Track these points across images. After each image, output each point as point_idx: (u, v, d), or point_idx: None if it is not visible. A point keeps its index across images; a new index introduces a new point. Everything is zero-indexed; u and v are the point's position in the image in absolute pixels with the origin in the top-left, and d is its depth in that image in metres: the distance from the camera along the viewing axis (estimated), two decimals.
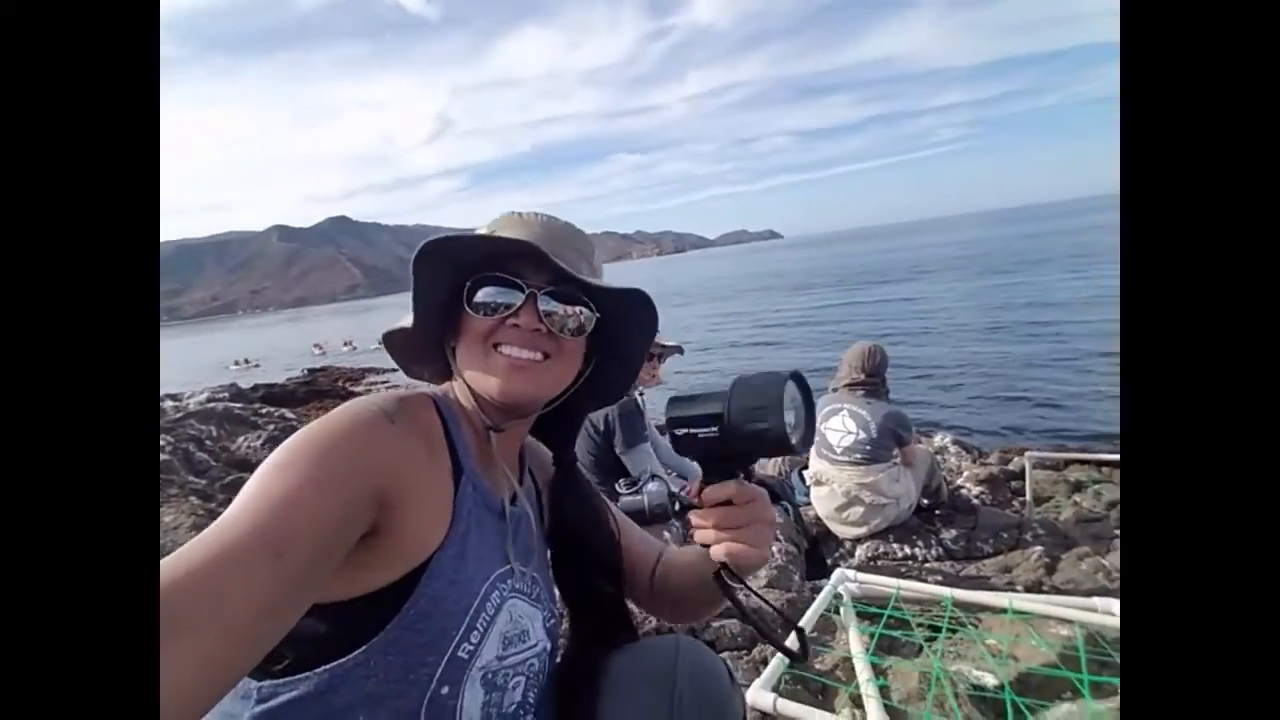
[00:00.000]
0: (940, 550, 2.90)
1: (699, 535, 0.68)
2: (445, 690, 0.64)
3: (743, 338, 16.23)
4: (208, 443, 3.39)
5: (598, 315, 0.76)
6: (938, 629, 1.48)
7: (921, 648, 1.43)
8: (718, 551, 0.66)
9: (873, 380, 2.99)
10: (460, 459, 0.71)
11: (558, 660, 0.85)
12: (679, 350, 2.94)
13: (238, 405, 4.53)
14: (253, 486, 0.54)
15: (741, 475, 0.67)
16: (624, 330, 0.79)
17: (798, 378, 0.64)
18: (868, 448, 2.89)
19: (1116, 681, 1.19)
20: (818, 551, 2.92)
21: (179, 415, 4.06)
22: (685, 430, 0.66)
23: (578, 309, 0.74)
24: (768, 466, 4.15)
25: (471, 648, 0.66)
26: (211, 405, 4.50)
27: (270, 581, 0.48)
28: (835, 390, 3.09)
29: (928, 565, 2.82)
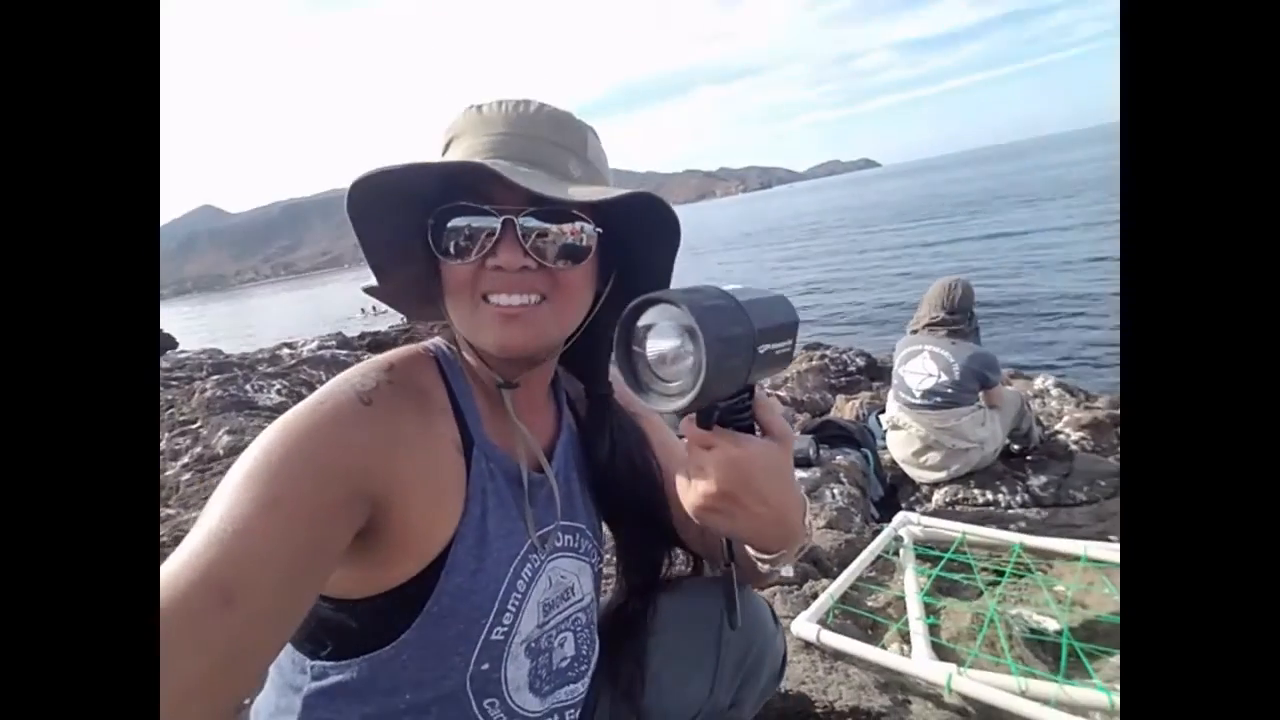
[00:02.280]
0: (1027, 497, 2.75)
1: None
2: (486, 666, 0.63)
3: (820, 280, 15.50)
4: (317, 385, 3.80)
5: (599, 230, 0.60)
6: (1003, 574, 1.43)
7: (983, 592, 1.40)
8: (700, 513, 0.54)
9: (956, 318, 2.80)
10: (469, 426, 0.62)
11: (605, 605, 0.83)
12: None
13: (344, 352, 5.01)
14: (206, 511, 0.47)
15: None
16: (642, 234, 0.63)
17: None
18: (949, 391, 2.75)
19: None
20: (894, 499, 2.86)
21: (294, 361, 4.57)
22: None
23: (574, 226, 0.58)
24: (845, 411, 4.05)
25: (505, 628, 0.63)
26: (321, 352, 5.01)
27: (222, 633, 0.42)
28: (915, 331, 2.93)
29: (1011, 512, 2.69)
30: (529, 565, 0.65)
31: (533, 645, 0.67)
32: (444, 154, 0.61)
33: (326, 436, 0.51)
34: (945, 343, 2.79)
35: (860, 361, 5.26)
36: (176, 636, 0.40)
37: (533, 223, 0.56)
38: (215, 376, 4.05)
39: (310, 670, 0.59)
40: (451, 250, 0.57)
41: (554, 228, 0.57)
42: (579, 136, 0.63)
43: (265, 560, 0.45)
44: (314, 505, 0.48)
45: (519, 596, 0.64)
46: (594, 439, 0.75)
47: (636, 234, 0.62)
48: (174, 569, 0.43)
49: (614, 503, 0.78)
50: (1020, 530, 2.03)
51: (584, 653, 0.74)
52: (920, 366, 2.84)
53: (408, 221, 0.59)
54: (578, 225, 0.58)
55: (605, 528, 0.82)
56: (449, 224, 0.57)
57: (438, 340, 0.67)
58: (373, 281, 0.64)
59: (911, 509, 2.77)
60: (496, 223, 0.56)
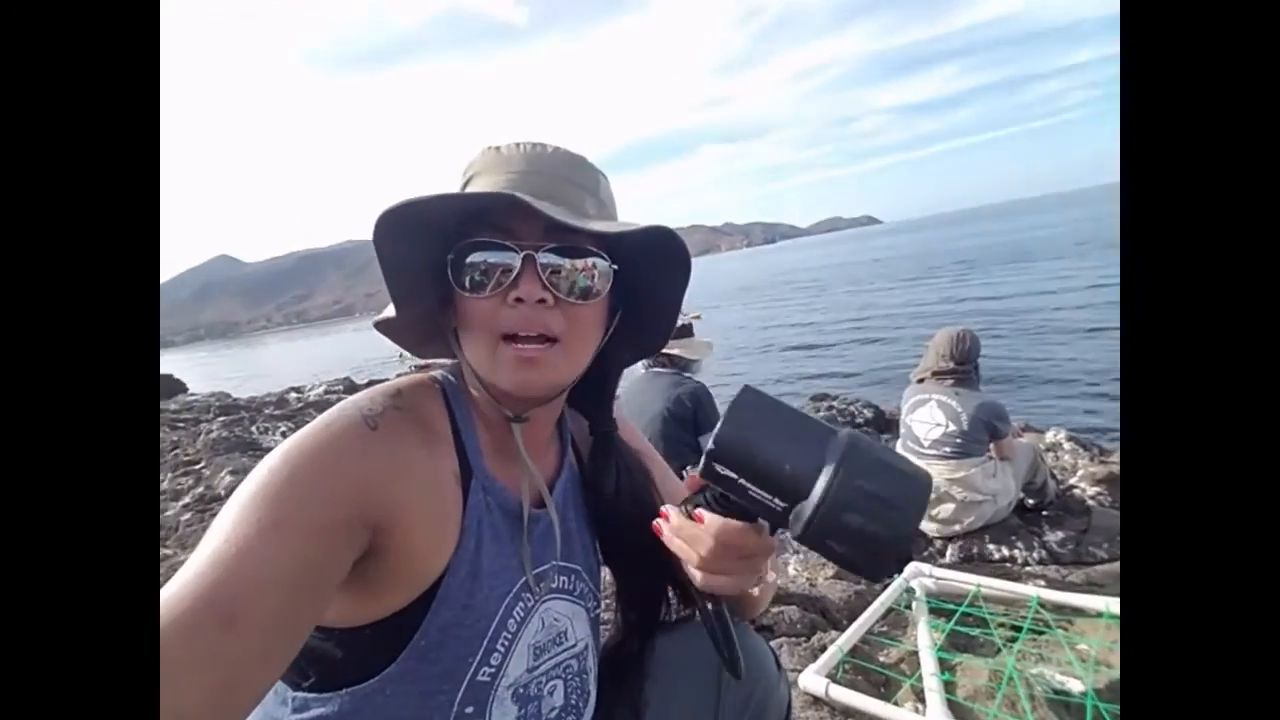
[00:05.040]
0: (1044, 554, 2.65)
1: (683, 549, 0.56)
2: (470, 710, 0.60)
3: (826, 333, 15.59)
4: None
5: (615, 267, 0.62)
6: (1020, 630, 1.37)
7: (1000, 648, 1.33)
8: (704, 582, 0.56)
9: (963, 368, 2.79)
10: (469, 458, 0.62)
11: (601, 647, 0.79)
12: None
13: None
14: (209, 534, 0.46)
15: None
16: (651, 271, 0.64)
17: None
18: (958, 441, 2.71)
19: None
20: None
21: (300, 405, 4.59)
22: (734, 476, 0.47)
23: (589, 261, 0.60)
24: None
25: (493, 669, 0.61)
26: (328, 397, 5.05)
27: (223, 654, 0.42)
28: (922, 380, 2.91)
29: (1029, 569, 2.60)
30: (521, 604, 0.63)
31: (520, 691, 0.64)
32: (462, 188, 0.62)
33: (331, 459, 0.51)
34: (951, 392, 2.77)
35: (868, 413, 5.22)
36: (177, 657, 0.39)
37: (551, 258, 0.58)
38: (221, 418, 4.07)
39: (291, 702, 0.57)
40: (470, 284, 0.58)
41: (570, 263, 0.59)
42: (593, 177, 0.65)
43: (267, 582, 0.45)
44: (317, 528, 0.48)
45: (509, 636, 0.62)
46: (598, 477, 0.74)
47: (644, 272, 0.64)
48: (176, 590, 0.42)
49: (616, 541, 0.76)
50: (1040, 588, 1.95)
51: (574, 703, 0.70)
52: (928, 416, 2.81)
53: (425, 255, 0.59)
54: (592, 261, 0.60)
55: (604, 570, 0.79)
56: (469, 258, 0.58)
57: (444, 371, 0.67)
58: (384, 316, 0.64)
59: (925, 563, 2.69)
60: (517, 258, 0.57)
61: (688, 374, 2.68)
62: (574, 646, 0.70)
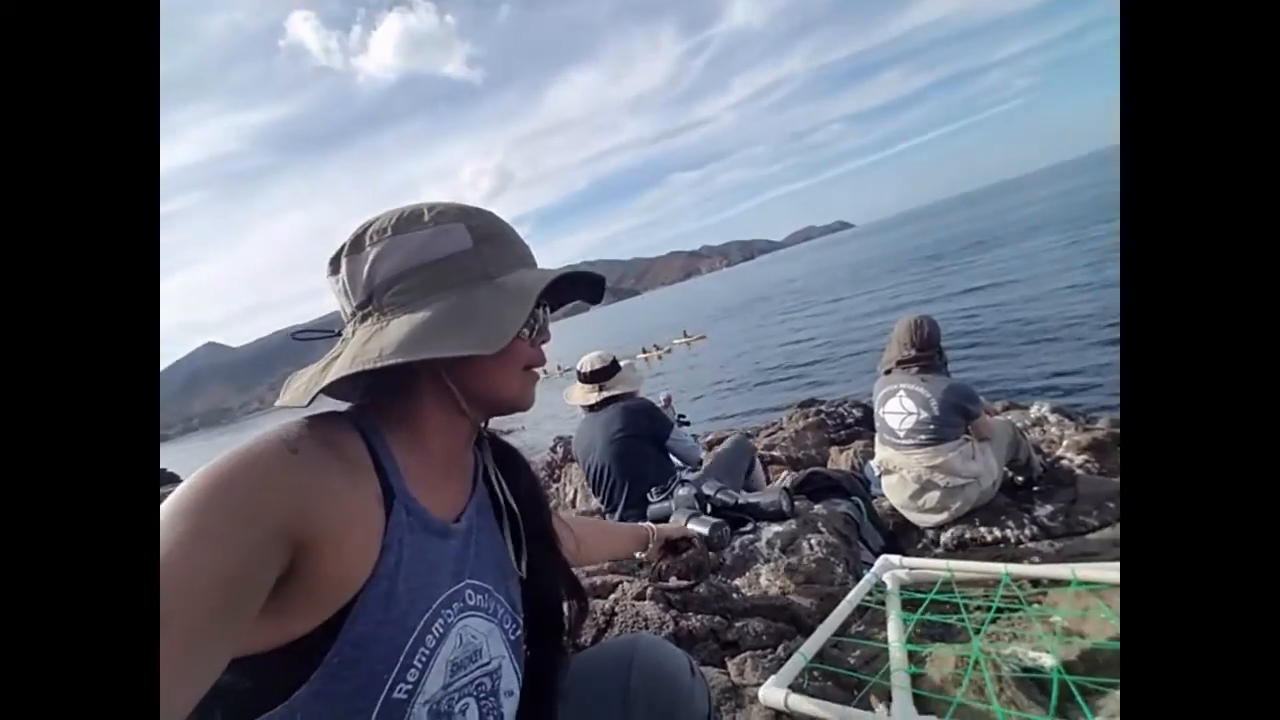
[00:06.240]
0: (1036, 529, 2.60)
1: None
2: None
3: (811, 339, 15.64)
4: None
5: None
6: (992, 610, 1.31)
7: (977, 632, 1.28)
8: None
9: (926, 354, 2.77)
10: (389, 480, 0.63)
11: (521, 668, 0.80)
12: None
13: None
14: None
15: None
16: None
17: None
18: (931, 427, 2.67)
19: None
20: (897, 547, 2.71)
21: None
22: None
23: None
24: (840, 461, 3.93)
25: (410, 686, 0.60)
26: None
27: (164, 651, 0.43)
28: (889, 372, 2.89)
29: (1023, 547, 2.54)
30: (440, 620, 0.64)
31: (435, 708, 0.63)
32: (477, 243, 0.68)
33: (254, 478, 0.52)
34: (918, 379, 2.74)
35: (857, 413, 5.17)
36: None
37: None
38: None
39: None
40: (530, 331, 0.71)
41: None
42: None
43: (198, 588, 0.46)
44: (240, 540, 0.49)
45: (426, 652, 0.62)
46: (494, 480, 0.79)
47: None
48: None
49: (526, 536, 0.79)
50: (1035, 565, 1.89)
51: None
52: (898, 406, 2.78)
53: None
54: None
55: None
56: (536, 310, 0.70)
57: (349, 405, 0.70)
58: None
59: (921, 555, 2.62)
60: (546, 313, 0.73)
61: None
62: (488, 665, 0.69)
